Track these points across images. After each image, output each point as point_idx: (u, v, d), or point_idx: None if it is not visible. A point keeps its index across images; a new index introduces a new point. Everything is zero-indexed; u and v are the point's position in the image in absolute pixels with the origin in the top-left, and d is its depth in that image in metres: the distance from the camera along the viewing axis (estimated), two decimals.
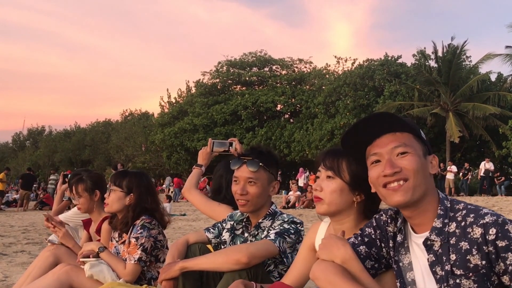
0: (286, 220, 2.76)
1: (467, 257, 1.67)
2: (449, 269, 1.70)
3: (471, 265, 1.66)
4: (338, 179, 2.17)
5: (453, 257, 1.70)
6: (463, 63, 33.74)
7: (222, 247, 2.93)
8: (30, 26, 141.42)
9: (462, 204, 1.77)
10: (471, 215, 1.69)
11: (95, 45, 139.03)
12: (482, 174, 26.10)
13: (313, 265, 1.87)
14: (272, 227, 2.76)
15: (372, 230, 1.96)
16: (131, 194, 3.53)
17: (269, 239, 2.61)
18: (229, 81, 47.23)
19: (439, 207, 1.78)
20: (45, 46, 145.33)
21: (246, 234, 2.91)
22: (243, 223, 2.95)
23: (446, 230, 1.73)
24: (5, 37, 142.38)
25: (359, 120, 1.85)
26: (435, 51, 33.77)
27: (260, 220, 2.86)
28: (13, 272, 5.99)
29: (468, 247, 1.67)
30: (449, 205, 1.78)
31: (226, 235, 2.97)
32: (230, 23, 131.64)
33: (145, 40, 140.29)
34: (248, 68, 47.30)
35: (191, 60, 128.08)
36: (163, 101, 48.96)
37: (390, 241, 1.92)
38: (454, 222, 1.73)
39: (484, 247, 1.64)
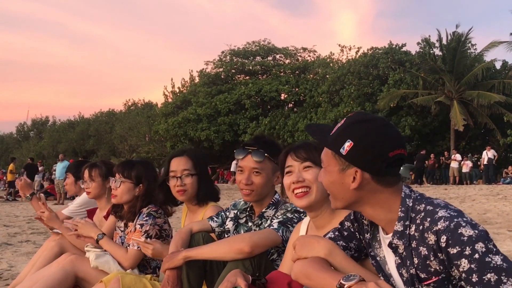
0: (289, 209, 2.75)
1: (427, 262, 1.63)
2: (414, 272, 1.67)
3: (432, 269, 1.63)
4: (317, 167, 2.20)
5: (415, 260, 1.67)
6: (468, 51, 33.60)
7: (226, 236, 2.93)
8: (34, 16, 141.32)
9: (423, 205, 1.70)
10: (428, 219, 1.64)
11: (99, 36, 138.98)
12: (485, 163, 26.06)
13: (293, 267, 1.90)
14: (276, 216, 2.76)
15: (350, 224, 1.96)
16: (140, 184, 3.53)
17: (272, 228, 2.61)
18: (233, 71, 47.14)
19: (400, 209, 1.72)
20: (49, 37, 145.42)
21: (249, 223, 2.91)
22: (247, 212, 2.95)
23: (407, 233, 1.69)
24: (9, 27, 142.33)
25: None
26: (440, 39, 33.61)
27: (263, 210, 2.87)
28: (18, 261, 6.02)
29: (427, 253, 1.63)
30: (411, 205, 1.72)
31: (229, 224, 2.97)
32: (234, 13, 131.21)
33: (149, 30, 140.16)
34: (252, 57, 47.17)
35: (195, 50, 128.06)
36: (167, 90, 48.93)
37: (366, 234, 1.91)
38: (414, 225, 1.69)
39: (438, 253, 1.59)
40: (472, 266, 1.50)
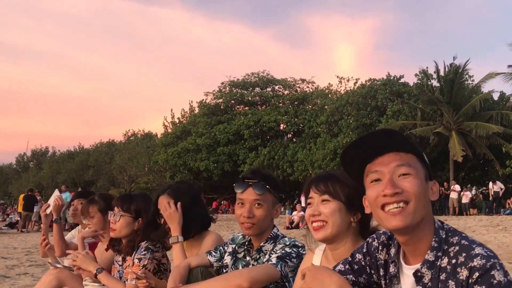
0: (287, 243, 2.75)
1: None
2: None
3: None
4: (336, 201, 2.21)
5: None
6: (466, 82, 33.92)
7: (224, 271, 2.93)
8: (35, 47, 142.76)
9: (457, 238, 1.69)
10: (463, 254, 1.62)
11: (99, 66, 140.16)
12: (492, 194, 26.07)
13: None
14: (274, 251, 2.76)
15: (362, 257, 1.92)
16: (140, 218, 3.53)
17: (271, 263, 2.61)
18: (232, 101, 47.50)
19: (433, 238, 1.70)
20: (50, 68, 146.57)
21: (248, 258, 2.90)
22: (245, 247, 2.95)
23: (438, 264, 1.67)
24: (9, 58, 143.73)
25: (364, 135, 1.77)
26: (437, 71, 34.01)
27: (262, 244, 2.86)
28: None
29: (454, 287, 1.61)
30: (444, 236, 1.71)
31: (228, 259, 2.96)
32: (233, 45, 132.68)
33: (149, 61, 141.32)
34: (251, 88, 47.60)
35: (195, 81, 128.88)
36: (167, 121, 49.18)
37: (381, 269, 1.86)
38: (446, 257, 1.66)
39: None
40: None
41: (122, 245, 3.59)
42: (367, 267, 1.90)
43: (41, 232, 4.43)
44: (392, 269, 1.82)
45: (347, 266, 1.92)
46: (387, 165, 1.71)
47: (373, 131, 1.81)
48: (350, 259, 1.95)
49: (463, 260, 1.61)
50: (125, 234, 3.53)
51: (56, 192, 4.63)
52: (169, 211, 3.16)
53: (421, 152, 1.76)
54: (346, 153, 1.83)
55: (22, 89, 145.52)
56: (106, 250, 3.94)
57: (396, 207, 1.66)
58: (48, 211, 4.51)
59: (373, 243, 1.92)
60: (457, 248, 1.65)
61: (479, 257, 1.58)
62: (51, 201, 4.51)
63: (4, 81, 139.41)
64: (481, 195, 27.09)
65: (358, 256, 1.92)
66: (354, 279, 1.88)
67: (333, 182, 2.24)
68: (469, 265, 1.58)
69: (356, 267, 1.91)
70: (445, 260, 1.66)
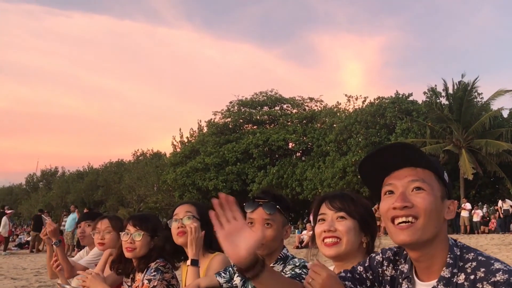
0: (297, 264, 2.73)
1: None
2: None
3: None
4: (351, 219, 2.22)
5: None
6: (475, 100, 33.86)
7: None
8: (45, 69, 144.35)
9: (472, 254, 1.68)
10: (482, 269, 1.60)
11: (109, 86, 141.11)
12: (502, 212, 25.88)
13: None
14: (284, 272, 2.74)
15: (363, 269, 1.92)
16: (156, 237, 3.53)
17: None
18: (241, 120, 47.63)
19: (448, 255, 1.69)
20: (60, 88, 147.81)
21: None
22: None
23: (454, 280, 1.65)
24: (20, 79, 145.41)
25: (381, 147, 1.76)
26: (446, 89, 33.97)
27: (271, 265, 2.84)
28: None
29: None
30: (458, 253, 1.69)
31: (237, 280, 2.94)
32: (242, 64, 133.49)
33: (158, 81, 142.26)
34: (259, 107, 47.75)
35: (203, 100, 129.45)
36: (176, 140, 49.35)
37: (387, 286, 1.85)
38: (463, 273, 1.64)
39: None
40: None
41: (133, 263, 3.58)
42: (368, 281, 1.90)
43: (49, 253, 4.43)
44: (405, 285, 1.80)
45: (348, 274, 1.93)
46: (402, 179, 1.72)
47: (390, 143, 1.80)
48: (351, 269, 1.96)
49: (483, 275, 1.59)
50: (144, 253, 3.52)
51: (45, 218, 4.65)
52: (195, 236, 3.11)
53: (440, 169, 1.75)
54: (363, 165, 1.84)
55: (32, 110, 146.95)
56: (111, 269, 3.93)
57: (405, 221, 1.66)
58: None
59: (376, 257, 1.92)
60: (474, 263, 1.64)
61: (501, 272, 1.56)
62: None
63: (15, 101, 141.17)
64: (474, 213, 26.83)
65: (360, 268, 1.94)
66: (352, 286, 1.88)
67: (348, 201, 2.26)
68: (492, 280, 1.56)
69: (357, 276, 1.92)
70: (462, 276, 1.64)
